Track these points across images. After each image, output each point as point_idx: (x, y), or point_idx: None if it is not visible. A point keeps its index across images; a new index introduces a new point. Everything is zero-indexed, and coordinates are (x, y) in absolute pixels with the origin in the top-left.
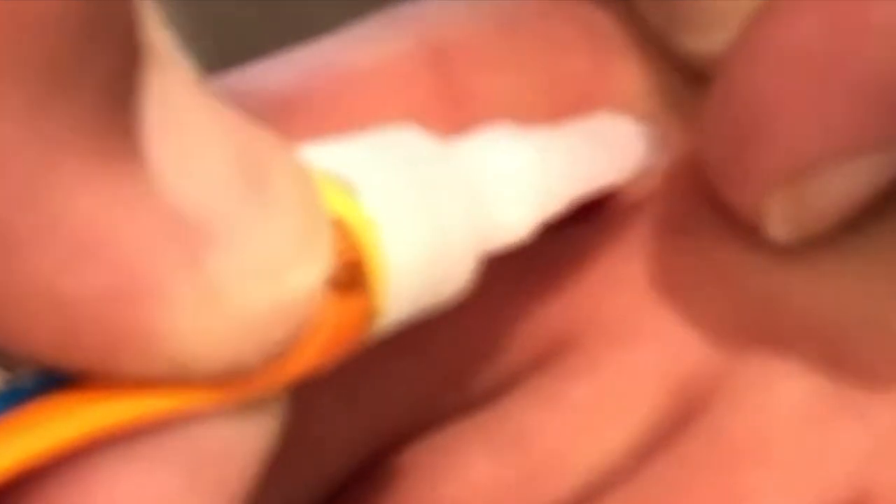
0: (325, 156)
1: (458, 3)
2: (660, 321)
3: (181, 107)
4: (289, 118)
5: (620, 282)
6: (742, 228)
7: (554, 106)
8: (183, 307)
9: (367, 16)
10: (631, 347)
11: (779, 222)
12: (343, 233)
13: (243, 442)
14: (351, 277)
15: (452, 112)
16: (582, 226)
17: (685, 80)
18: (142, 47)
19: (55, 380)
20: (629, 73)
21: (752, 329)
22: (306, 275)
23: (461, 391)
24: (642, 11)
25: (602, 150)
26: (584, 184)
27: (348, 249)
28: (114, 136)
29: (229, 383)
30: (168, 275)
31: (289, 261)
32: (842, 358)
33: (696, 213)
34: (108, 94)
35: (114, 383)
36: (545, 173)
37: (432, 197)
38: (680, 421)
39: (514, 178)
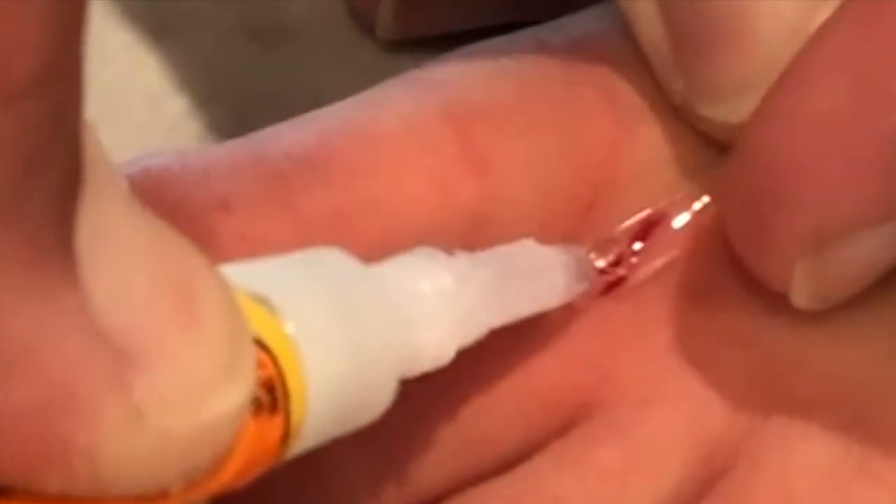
0: (248, 274)
1: (478, 66)
2: (683, 385)
3: (114, 225)
4: (310, 179)
5: (644, 346)
6: (764, 293)
7: (575, 173)
8: (108, 429)
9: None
10: (656, 411)
11: (804, 289)
12: (264, 354)
13: None
14: (270, 398)
15: (472, 177)
16: (606, 292)
17: (707, 148)
18: (83, 169)
19: None
20: (652, 140)
21: (774, 392)
22: (230, 400)
23: (489, 453)
24: (664, 80)
25: (522, 280)
26: (503, 313)
27: (269, 370)
28: (52, 258)
29: (147, 501)
30: (95, 396)
31: (213, 386)
32: (861, 422)
33: (718, 277)
34: (50, 217)
35: (34, 496)
36: (464, 301)
37: (353, 320)
38: (704, 484)
39: (433, 303)
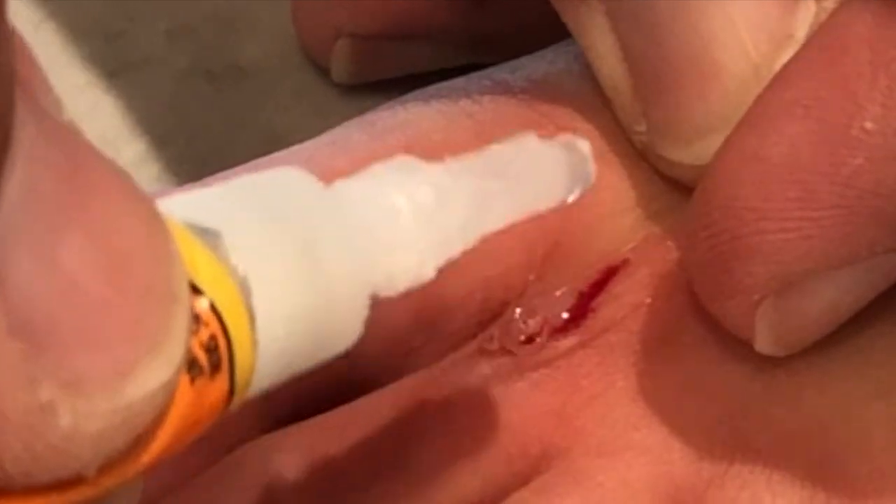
0: (193, 204)
1: (437, 108)
2: (646, 434)
3: (44, 190)
4: None
5: (607, 395)
6: (727, 339)
7: (533, 218)
8: (12, 427)
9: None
10: (619, 460)
11: (767, 334)
12: (206, 307)
13: None
14: (212, 359)
15: None
16: (569, 338)
17: (671, 191)
18: (11, 129)
19: None
20: (613, 184)
21: (738, 441)
22: (154, 378)
23: (450, 503)
24: (626, 122)
25: (517, 180)
26: (494, 219)
27: (211, 327)
28: None
29: (60, 489)
30: (2, 389)
31: (135, 364)
32: (825, 468)
33: (682, 324)
34: None
35: None
36: (444, 211)
37: (312, 248)
38: None
39: (409, 222)
